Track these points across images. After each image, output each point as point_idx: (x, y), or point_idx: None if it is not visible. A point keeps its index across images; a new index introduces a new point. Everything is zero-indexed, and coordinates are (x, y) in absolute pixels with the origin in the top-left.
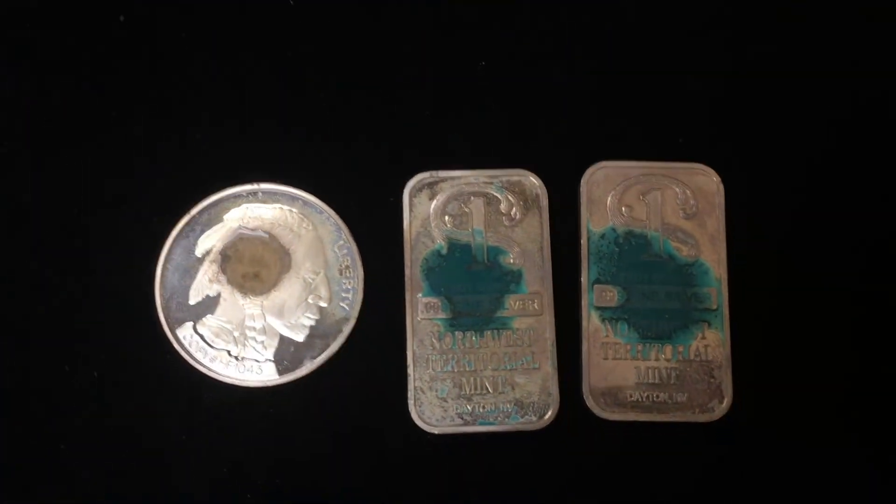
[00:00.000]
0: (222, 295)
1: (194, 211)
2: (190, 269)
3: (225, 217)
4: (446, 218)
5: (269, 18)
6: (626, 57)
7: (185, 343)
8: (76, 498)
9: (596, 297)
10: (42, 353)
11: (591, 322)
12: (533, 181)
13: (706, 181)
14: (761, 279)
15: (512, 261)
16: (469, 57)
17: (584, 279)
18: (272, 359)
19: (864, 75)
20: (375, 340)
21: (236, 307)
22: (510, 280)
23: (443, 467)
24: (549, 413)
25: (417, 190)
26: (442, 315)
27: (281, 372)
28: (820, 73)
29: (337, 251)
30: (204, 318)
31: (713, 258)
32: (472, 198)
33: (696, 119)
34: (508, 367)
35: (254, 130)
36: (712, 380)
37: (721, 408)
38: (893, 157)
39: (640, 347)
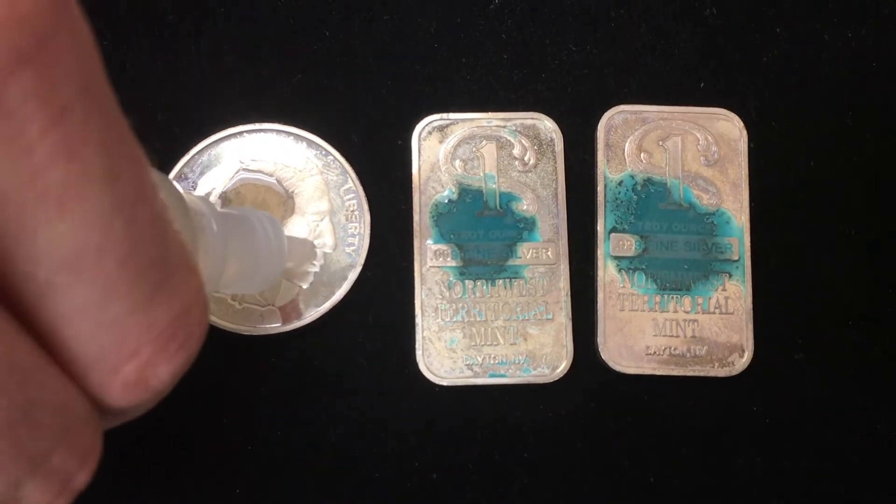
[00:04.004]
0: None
1: (193, 151)
2: None
3: (225, 158)
4: (457, 162)
5: None
6: None
7: None
8: None
9: (612, 246)
10: None
11: (607, 272)
12: (548, 125)
13: (728, 127)
14: (785, 230)
15: (525, 207)
16: None
17: (600, 227)
18: (275, 306)
19: (892, 21)
20: (382, 288)
21: None
22: (523, 227)
23: (452, 420)
24: (563, 366)
25: (427, 133)
26: (451, 263)
27: (284, 320)
28: (846, 17)
29: (342, 196)
30: None
31: (735, 207)
32: (484, 141)
33: (718, 63)
34: (520, 318)
35: (257, 69)
36: (732, 333)
37: (741, 362)
38: None
39: (657, 299)
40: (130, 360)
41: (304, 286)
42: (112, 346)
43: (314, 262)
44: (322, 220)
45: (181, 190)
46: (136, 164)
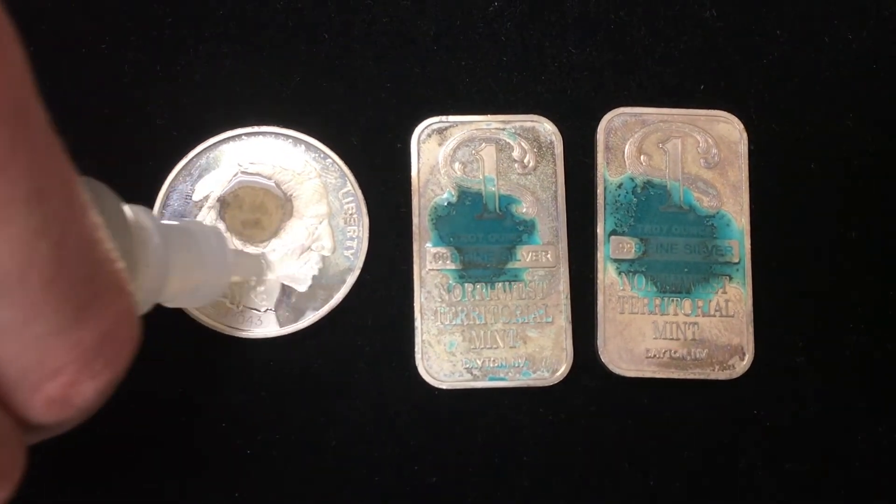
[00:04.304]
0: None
1: (192, 154)
2: (187, 215)
3: (224, 161)
4: (456, 165)
5: None
6: (645, 0)
7: None
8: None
9: (612, 248)
10: None
11: (606, 275)
12: (547, 127)
13: (729, 129)
14: (785, 232)
15: (525, 210)
16: None
17: (600, 230)
18: (273, 309)
19: (893, 23)
20: (381, 292)
21: None
22: (523, 230)
23: (451, 424)
24: (563, 369)
25: (426, 136)
26: (451, 266)
27: (282, 323)
28: (846, 19)
29: (341, 198)
30: None
31: (735, 209)
32: (484, 144)
33: (718, 65)
34: (520, 321)
35: (255, 72)
36: (733, 336)
37: (742, 365)
38: None
39: (657, 302)
40: (53, 379)
41: (303, 290)
42: (35, 364)
43: (312, 265)
44: (321, 223)
45: (122, 203)
46: (64, 185)
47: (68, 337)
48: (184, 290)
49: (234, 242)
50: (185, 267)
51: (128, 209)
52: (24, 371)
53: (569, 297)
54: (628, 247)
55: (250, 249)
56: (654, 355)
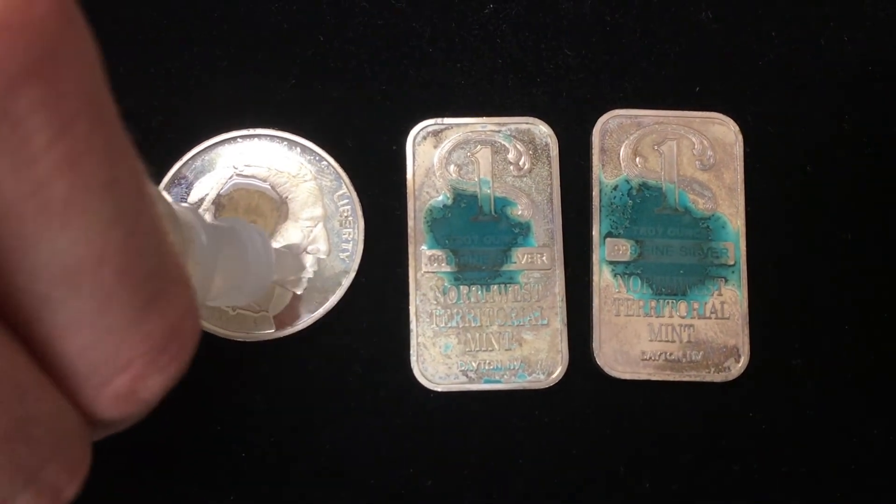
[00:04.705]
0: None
1: (187, 156)
2: None
3: (219, 163)
4: (451, 167)
5: None
6: (641, 2)
7: None
8: None
9: (608, 251)
10: None
11: (602, 277)
12: (542, 129)
13: (724, 131)
14: (781, 234)
15: (520, 212)
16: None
17: (595, 232)
18: (268, 312)
19: (889, 25)
20: (376, 294)
21: None
22: (518, 232)
23: (447, 427)
24: (558, 371)
25: (422, 138)
26: (446, 268)
27: (278, 326)
28: (842, 21)
29: (336, 201)
30: None
31: (731, 211)
32: (479, 146)
33: (713, 66)
34: (516, 323)
35: (251, 74)
36: (728, 338)
37: (737, 367)
38: None
39: (653, 304)
40: (122, 373)
41: (299, 292)
42: (105, 358)
43: (301, 274)
44: (316, 225)
45: (171, 201)
46: (135, 176)
47: (139, 329)
48: (229, 289)
49: None
50: (231, 266)
51: (176, 206)
52: (94, 365)
53: (564, 299)
54: (623, 249)
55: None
56: (650, 357)
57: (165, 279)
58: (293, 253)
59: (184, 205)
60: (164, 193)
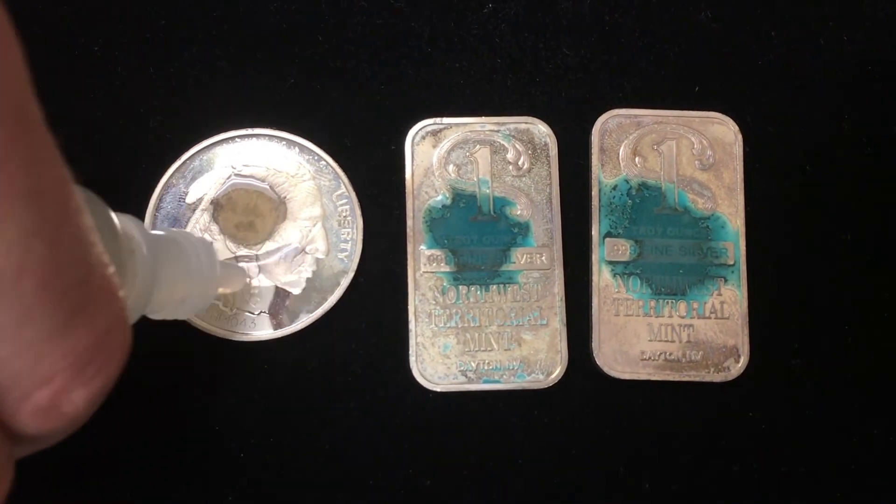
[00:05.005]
0: (214, 245)
1: (185, 156)
2: (181, 217)
3: (218, 163)
4: (450, 167)
5: None
6: (640, 2)
7: None
8: None
9: (607, 250)
10: None
11: (601, 277)
12: (542, 129)
13: (723, 131)
14: (780, 234)
15: (519, 212)
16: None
17: (594, 232)
18: (267, 312)
19: (888, 25)
20: (375, 294)
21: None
22: (517, 232)
23: (446, 427)
24: (557, 371)
25: (420, 138)
26: (445, 268)
27: (276, 326)
28: (841, 20)
29: (335, 201)
30: None
31: (730, 211)
32: (478, 146)
33: (713, 66)
34: (515, 324)
35: (249, 74)
36: (728, 338)
37: (737, 367)
38: None
39: (652, 304)
40: (44, 387)
41: (297, 292)
42: (25, 371)
43: (306, 268)
44: (314, 225)
45: (111, 212)
46: (60, 185)
47: (61, 342)
48: (170, 302)
49: (228, 245)
50: (172, 278)
51: (116, 218)
52: (13, 378)
53: (563, 299)
54: (623, 249)
55: (243, 252)
56: (649, 357)
57: (91, 291)
58: (239, 266)
59: (123, 215)
60: (104, 204)
